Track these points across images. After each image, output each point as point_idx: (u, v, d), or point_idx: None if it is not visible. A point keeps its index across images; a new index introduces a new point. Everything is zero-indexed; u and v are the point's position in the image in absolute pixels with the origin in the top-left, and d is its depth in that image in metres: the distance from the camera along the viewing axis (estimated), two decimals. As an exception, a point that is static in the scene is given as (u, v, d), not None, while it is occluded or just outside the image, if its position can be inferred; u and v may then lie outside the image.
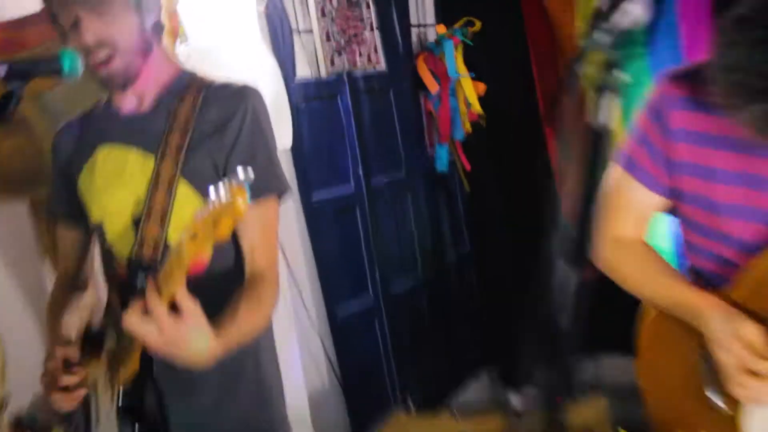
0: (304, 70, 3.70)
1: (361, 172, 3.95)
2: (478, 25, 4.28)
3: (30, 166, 2.61)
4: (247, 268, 1.87)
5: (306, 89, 3.64)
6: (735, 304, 1.62)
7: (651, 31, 4.08)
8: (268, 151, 1.92)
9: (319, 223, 3.65)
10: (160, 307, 1.54)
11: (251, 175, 1.41)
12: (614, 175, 1.84)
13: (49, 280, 2.55)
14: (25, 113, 2.53)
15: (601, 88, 1.34)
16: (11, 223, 2.63)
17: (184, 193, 1.86)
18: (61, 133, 2.10)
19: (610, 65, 1.34)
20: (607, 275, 1.86)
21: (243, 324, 1.73)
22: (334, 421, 3.63)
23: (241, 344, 1.76)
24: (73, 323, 1.98)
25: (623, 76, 1.32)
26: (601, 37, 1.33)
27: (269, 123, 1.94)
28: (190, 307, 1.56)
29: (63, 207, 2.11)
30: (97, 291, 2.16)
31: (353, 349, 3.79)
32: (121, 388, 1.80)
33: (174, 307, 1.57)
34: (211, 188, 1.42)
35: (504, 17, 4.62)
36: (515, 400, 4.40)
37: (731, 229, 1.69)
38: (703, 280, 1.77)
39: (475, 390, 4.57)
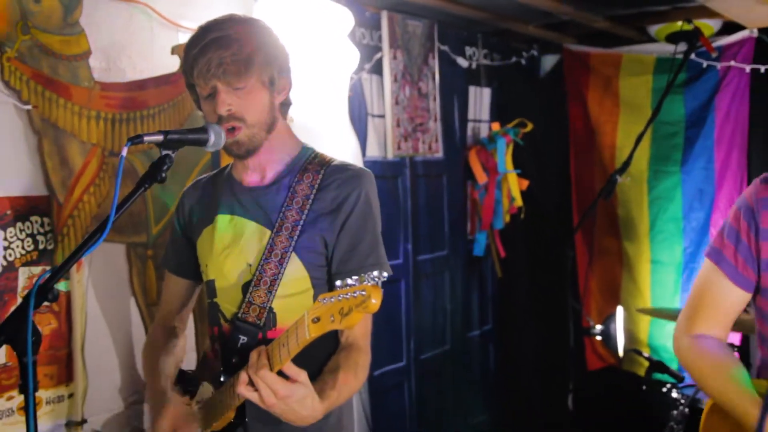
0: (372, 150, 4.02)
1: (410, 248, 4.25)
2: (530, 126, 4.60)
3: (133, 213, 2.80)
4: (343, 337, 1.99)
5: (373, 168, 3.79)
6: None
7: (687, 152, 4.46)
8: (373, 234, 2.01)
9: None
10: (271, 376, 1.72)
11: (385, 274, 1.56)
12: (705, 268, 1.93)
13: (135, 316, 2.81)
14: (134, 164, 2.79)
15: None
16: (107, 262, 2.74)
17: (294, 265, 1.97)
18: (189, 193, 2.23)
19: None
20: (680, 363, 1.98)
21: (342, 389, 1.88)
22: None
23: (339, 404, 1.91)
24: (170, 364, 2.14)
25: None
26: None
27: (378, 206, 2.05)
28: (301, 376, 1.74)
29: (178, 261, 2.25)
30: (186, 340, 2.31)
31: (385, 403, 4.05)
32: None
33: (280, 373, 1.73)
34: (339, 281, 1.60)
35: (552, 122, 5.00)
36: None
37: None
38: None
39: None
